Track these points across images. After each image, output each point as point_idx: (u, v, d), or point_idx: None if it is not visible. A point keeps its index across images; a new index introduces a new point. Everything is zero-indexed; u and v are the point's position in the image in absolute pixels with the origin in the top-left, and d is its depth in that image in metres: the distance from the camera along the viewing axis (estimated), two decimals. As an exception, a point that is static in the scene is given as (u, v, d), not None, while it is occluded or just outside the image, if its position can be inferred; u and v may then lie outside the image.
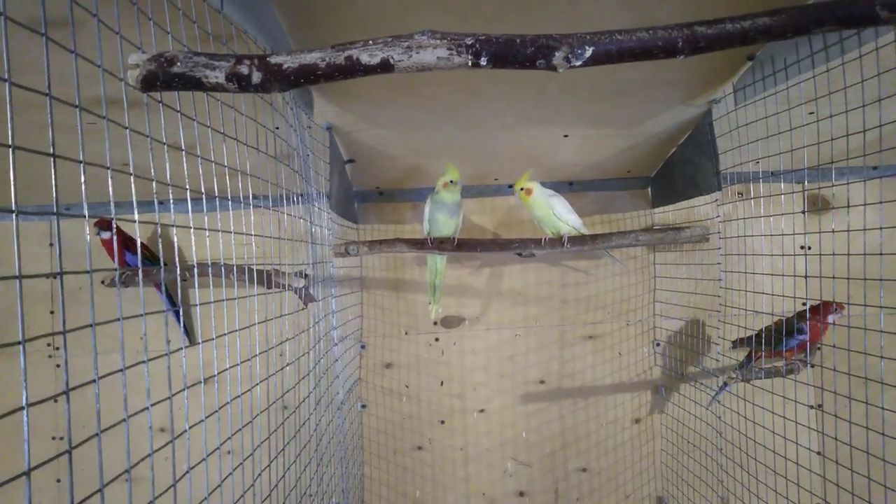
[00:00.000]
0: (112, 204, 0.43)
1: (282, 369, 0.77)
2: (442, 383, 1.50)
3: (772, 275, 1.08)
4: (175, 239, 0.58)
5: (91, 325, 0.41)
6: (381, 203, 1.49)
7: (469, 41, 0.46)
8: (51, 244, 1.39)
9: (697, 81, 0.97)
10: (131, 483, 0.43)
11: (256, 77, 0.47)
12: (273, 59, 0.47)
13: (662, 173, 1.41)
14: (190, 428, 0.53)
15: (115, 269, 0.49)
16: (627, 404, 1.51)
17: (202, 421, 0.56)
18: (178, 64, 0.46)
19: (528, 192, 1.20)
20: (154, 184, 0.50)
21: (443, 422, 1.50)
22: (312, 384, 0.91)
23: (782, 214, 1.10)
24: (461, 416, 1.50)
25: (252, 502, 0.64)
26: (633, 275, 1.50)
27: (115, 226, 1.07)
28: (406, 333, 1.49)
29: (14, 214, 0.34)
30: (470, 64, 0.47)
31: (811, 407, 1.38)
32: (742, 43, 0.48)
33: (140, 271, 0.46)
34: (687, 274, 1.41)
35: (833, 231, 0.88)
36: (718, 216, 1.26)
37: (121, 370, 0.44)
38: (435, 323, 1.49)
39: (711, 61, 0.90)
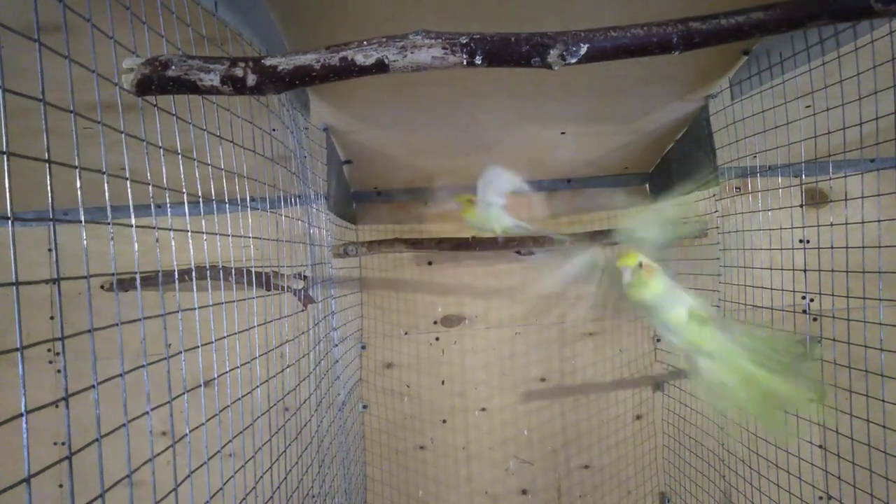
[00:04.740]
0: (108, 209, 0.43)
1: (282, 371, 0.77)
2: (443, 382, 1.50)
3: (770, 269, 1.08)
4: (172, 243, 0.58)
5: (90, 331, 0.41)
6: (379, 203, 1.49)
7: (464, 40, 0.46)
8: (49, 249, 1.39)
9: (693, 76, 0.97)
10: (132, 487, 0.43)
11: (251, 79, 0.47)
12: (268, 62, 0.47)
13: (660, 169, 1.41)
14: (191, 431, 0.53)
15: (113, 274, 0.48)
16: (629, 400, 1.51)
17: (203, 424, 0.56)
18: (173, 67, 0.46)
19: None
20: (150, 188, 0.50)
21: (444, 421, 1.50)
22: (313, 385, 0.91)
23: (780, 208, 1.10)
24: (463, 415, 1.50)
25: (254, 505, 0.64)
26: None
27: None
28: (406, 333, 1.49)
29: (10, 221, 0.34)
30: (465, 63, 0.47)
31: (811, 400, 1.38)
32: (737, 38, 0.48)
33: (138, 276, 0.46)
34: (686, 269, 1.41)
35: (831, 224, 0.88)
36: (716, 211, 1.26)
37: (120, 375, 0.44)
38: (435, 321, 1.49)
39: (707, 56, 0.90)
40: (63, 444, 1.38)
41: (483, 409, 1.50)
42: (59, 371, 1.37)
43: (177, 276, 0.55)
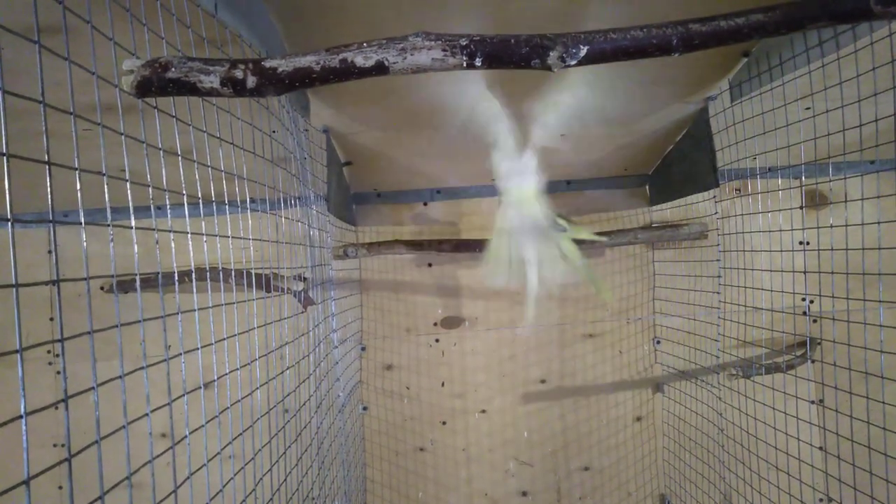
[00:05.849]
0: (108, 210, 0.43)
1: (282, 373, 0.77)
2: (443, 384, 1.50)
3: (770, 271, 1.08)
4: (172, 244, 0.58)
5: (89, 333, 0.41)
6: (379, 205, 1.49)
7: (463, 42, 0.46)
8: (49, 251, 1.39)
9: (693, 78, 0.97)
10: (132, 489, 0.43)
11: (251, 81, 0.47)
12: (267, 63, 0.47)
13: (660, 171, 1.41)
14: (190, 433, 0.53)
15: (113, 276, 0.48)
16: (629, 402, 1.51)
17: (203, 426, 0.56)
18: (173, 69, 0.46)
19: None
20: (150, 189, 0.50)
21: (444, 423, 1.50)
22: (313, 387, 0.91)
23: (780, 210, 1.10)
24: (462, 417, 1.50)
25: (254, 506, 0.64)
26: (632, 273, 1.50)
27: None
28: (407, 331, 1.49)
29: (10, 222, 0.34)
30: (464, 65, 0.47)
31: (812, 402, 1.38)
32: (736, 40, 0.48)
33: (137, 278, 0.46)
34: (686, 271, 1.41)
35: (831, 226, 0.88)
36: (716, 213, 1.26)
37: (120, 376, 0.44)
38: (435, 323, 1.49)
39: (707, 58, 0.90)
40: (63, 445, 1.38)
41: (483, 411, 1.50)
42: (58, 373, 1.37)
43: (176, 278, 0.55)
